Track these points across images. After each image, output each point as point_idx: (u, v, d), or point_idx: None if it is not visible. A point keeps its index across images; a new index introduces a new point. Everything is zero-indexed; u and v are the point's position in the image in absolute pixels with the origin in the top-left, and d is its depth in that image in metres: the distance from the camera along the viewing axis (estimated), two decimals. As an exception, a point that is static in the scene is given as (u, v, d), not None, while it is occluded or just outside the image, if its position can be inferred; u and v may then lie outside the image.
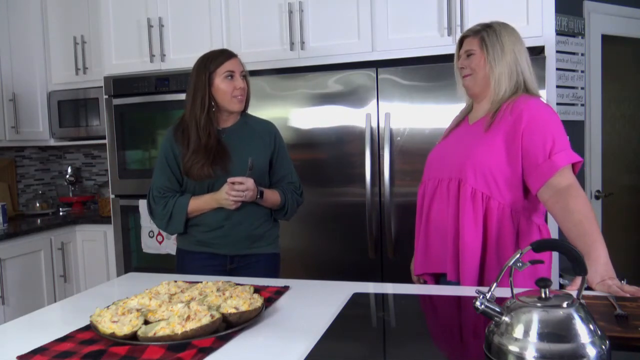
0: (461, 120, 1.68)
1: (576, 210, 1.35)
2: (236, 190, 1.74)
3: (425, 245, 1.63)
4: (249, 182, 1.75)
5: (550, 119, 1.45)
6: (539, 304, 0.87)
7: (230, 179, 1.75)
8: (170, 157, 1.85)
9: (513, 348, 0.85)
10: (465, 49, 1.59)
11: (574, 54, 3.04)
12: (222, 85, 1.80)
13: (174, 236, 2.77)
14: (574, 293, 0.90)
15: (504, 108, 1.50)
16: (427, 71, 2.41)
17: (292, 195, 1.93)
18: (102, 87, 3.04)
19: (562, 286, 2.50)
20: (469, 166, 1.49)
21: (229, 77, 1.81)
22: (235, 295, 1.20)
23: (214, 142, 1.80)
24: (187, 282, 1.40)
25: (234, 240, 1.84)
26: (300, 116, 2.58)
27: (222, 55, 1.83)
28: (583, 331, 0.83)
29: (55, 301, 2.78)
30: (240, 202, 1.77)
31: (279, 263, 1.98)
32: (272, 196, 1.87)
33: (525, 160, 1.44)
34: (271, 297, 1.33)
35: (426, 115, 2.41)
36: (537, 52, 2.36)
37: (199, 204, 1.82)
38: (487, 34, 1.55)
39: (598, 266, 1.26)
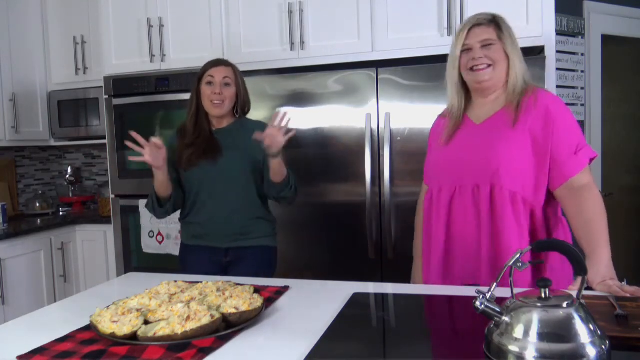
0: (460, 122, 1.57)
1: (588, 210, 1.35)
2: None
3: (446, 259, 1.52)
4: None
5: (572, 116, 1.46)
6: (539, 304, 0.87)
7: None
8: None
9: (513, 348, 0.85)
10: (480, 39, 1.47)
11: (574, 54, 3.04)
12: (203, 90, 1.95)
13: (175, 236, 2.78)
14: (574, 293, 0.90)
15: (525, 101, 1.45)
16: (427, 71, 2.41)
17: (293, 176, 1.96)
18: (102, 87, 3.04)
19: (562, 286, 2.49)
20: (502, 169, 1.42)
21: (209, 84, 1.93)
22: (235, 295, 1.20)
23: (204, 139, 1.93)
24: (187, 282, 1.40)
25: (228, 232, 1.92)
26: (300, 116, 2.57)
27: (211, 63, 1.98)
28: (583, 331, 0.83)
29: (55, 301, 2.78)
30: None
31: (275, 257, 2.02)
32: (283, 165, 1.89)
33: (551, 158, 1.42)
34: (271, 297, 1.33)
35: (426, 115, 2.40)
36: (537, 52, 2.36)
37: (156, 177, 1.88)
38: (501, 22, 1.49)
39: (600, 267, 1.26)
